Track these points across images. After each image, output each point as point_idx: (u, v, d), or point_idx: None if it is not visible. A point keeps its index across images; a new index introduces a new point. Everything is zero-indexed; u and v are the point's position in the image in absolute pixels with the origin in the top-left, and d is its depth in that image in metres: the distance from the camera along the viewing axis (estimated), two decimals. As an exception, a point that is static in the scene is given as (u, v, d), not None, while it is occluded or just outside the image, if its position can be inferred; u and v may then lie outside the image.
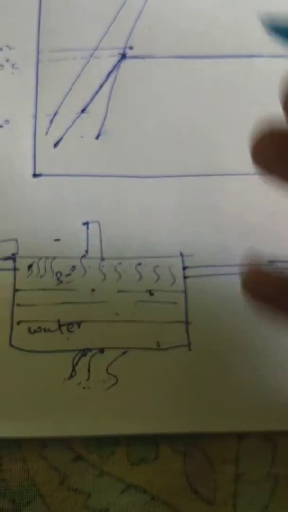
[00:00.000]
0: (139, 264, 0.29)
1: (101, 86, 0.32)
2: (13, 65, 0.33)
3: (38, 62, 0.33)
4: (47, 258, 0.29)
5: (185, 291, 0.29)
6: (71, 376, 0.27)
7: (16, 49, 0.33)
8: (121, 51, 0.33)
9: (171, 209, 0.30)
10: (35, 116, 0.32)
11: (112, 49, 0.33)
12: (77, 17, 0.34)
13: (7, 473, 0.26)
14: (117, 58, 0.33)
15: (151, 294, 0.29)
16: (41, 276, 0.29)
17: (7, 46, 0.33)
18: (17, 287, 0.29)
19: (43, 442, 0.27)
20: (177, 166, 0.31)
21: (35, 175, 0.31)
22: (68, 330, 0.28)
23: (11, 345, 0.28)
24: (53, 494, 0.26)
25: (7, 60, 0.33)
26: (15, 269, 0.29)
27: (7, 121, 0.31)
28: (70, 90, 0.32)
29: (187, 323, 0.28)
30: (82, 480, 0.26)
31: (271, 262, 0.29)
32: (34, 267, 0.29)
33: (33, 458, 0.26)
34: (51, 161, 0.31)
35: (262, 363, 0.27)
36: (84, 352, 0.28)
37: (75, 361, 0.28)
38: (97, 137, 0.31)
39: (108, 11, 0.34)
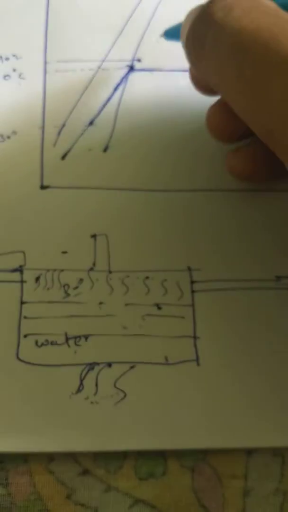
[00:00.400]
0: (147, 277, 0.29)
1: (109, 99, 0.32)
2: (20, 75, 0.33)
3: (45, 72, 0.33)
4: (54, 270, 0.29)
5: (193, 305, 0.28)
6: (78, 391, 0.27)
7: (23, 59, 0.33)
8: (129, 63, 0.33)
9: (179, 223, 0.30)
10: (43, 128, 0.31)
11: (120, 61, 0.33)
12: (85, 29, 0.34)
13: (13, 487, 0.26)
14: (125, 70, 0.33)
15: (159, 308, 0.28)
16: (48, 289, 0.29)
17: (14, 55, 0.33)
18: (24, 299, 0.28)
19: (50, 456, 0.26)
20: (185, 179, 0.30)
21: (42, 187, 0.30)
22: (75, 344, 0.28)
23: (18, 358, 0.27)
24: (60, 509, 0.26)
25: (14, 70, 0.33)
26: (22, 281, 0.29)
27: (14, 132, 0.31)
28: (77, 101, 0.32)
29: (195, 337, 0.28)
30: (89, 494, 0.26)
31: (278, 277, 0.29)
32: (42, 280, 0.29)
33: (39, 472, 0.26)
34: (59, 173, 0.31)
35: (270, 378, 0.27)
36: (91, 366, 0.27)
37: (83, 375, 0.27)
38: (105, 150, 0.31)
39: (116, 23, 0.34)
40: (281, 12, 0.23)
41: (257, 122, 0.22)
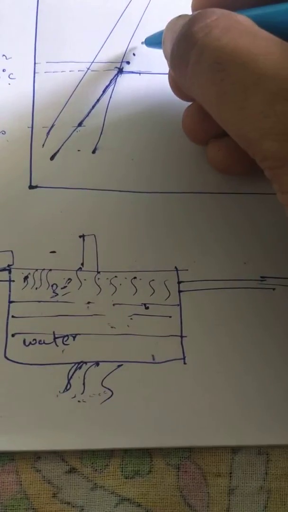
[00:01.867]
0: (135, 277, 0.28)
1: (98, 100, 0.31)
2: (9, 75, 0.32)
3: (35, 73, 0.32)
4: (42, 270, 0.28)
5: (180, 305, 0.28)
6: (66, 389, 0.26)
7: (13, 59, 0.32)
8: (118, 65, 0.32)
9: (166, 224, 0.29)
10: (32, 128, 0.31)
11: (109, 63, 0.32)
12: (75, 30, 0.33)
13: (0, 486, 0.25)
14: (114, 72, 0.32)
15: (146, 308, 0.28)
16: (36, 288, 0.28)
17: (3, 55, 0.33)
18: (12, 298, 0.28)
19: (36, 454, 0.26)
20: (173, 182, 0.30)
21: (31, 187, 0.30)
22: (63, 343, 0.27)
23: (5, 357, 0.27)
24: (46, 507, 0.25)
25: (4, 70, 0.32)
26: (10, 280, 0.28)
27: (3, 132, 0.31)
28: (67, 102, 0.31)
29: (182, 336, 0.27)
30: (76, 493, 0.25)
31: (263, 277, 0.28)
32: (30, 279, 0.28)
33: (26, 470, 0.26)
34: (48, 173, 0.30)
35: (255, 377, 0.27)
36: (79, 365, 0.27)
37: (70, 374, 0.27)
38: (94, 151, 0.30)
39: (106, 25, 0.33)
40: (258, 30, 0.23)
41: (236, 133, 0.23)
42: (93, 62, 0.32)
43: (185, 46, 0.25)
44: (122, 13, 0.33)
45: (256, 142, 0.22)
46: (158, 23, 0.31)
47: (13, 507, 0.25)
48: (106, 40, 0.33)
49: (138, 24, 0.33)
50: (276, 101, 0.21)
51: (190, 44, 0.24)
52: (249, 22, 0.24)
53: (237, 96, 0.22)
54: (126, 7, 0.33)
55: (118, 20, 0.33)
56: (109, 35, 0.33)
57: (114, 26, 0.33)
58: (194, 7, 0.27)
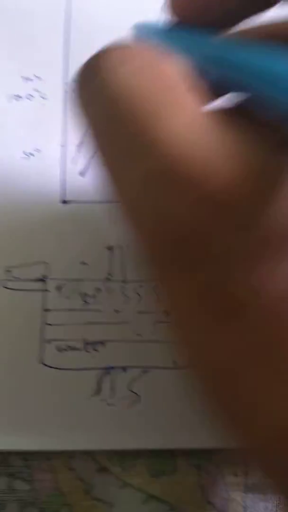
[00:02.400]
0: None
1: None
2: (42, 96, 0.34)
3: (65, 92, 0.34)
4: (74, 280, 0.30)
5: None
6: (96, 393, 0.28)
7: (44, 80, 0.34)
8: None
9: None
10: (64, 146, 0.32)
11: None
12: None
13: (38, 483, 0.27)
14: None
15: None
16: (68, 297, 0.30)
17: (36, 76, 0.34)
18: (47, 307, 0.29)
19: (70, 454, 0.27)
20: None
21: (63, 202, 0.31)
22: (93, 349, 0.29)
23: (41, 362, 0.28)
24: (79, 504, 0.27)
25: (37, 91, 0.34)
26: (45, 290, 0.29)
27: (37, 150, 0.32)
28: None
29: (204, 345, 0.29)
30: (106, 490, 0.27)
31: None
32: (63, 289, 0.30)
33: (61, 469, 0.27)
34: (79, 189, 0.31)
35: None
36: (108, 370, 0.28)
37: (100, 378, 0.28)
38: (123, 168, 0.32)
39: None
40: (178, 81, 0.18)
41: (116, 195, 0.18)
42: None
43: (90, 72, 0.19)
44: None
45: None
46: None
47: (51, 503, 0.27)
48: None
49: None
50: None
51: (94, 73, 0.19)
52: (171, 69, 0.18)
53: (124, 160, 0.17)
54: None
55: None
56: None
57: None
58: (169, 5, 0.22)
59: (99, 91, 0.18)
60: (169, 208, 0.15)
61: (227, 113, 0.19)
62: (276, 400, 0.15)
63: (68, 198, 0.31)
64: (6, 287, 0.30)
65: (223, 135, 0.16)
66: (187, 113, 0.16)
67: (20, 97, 0.34)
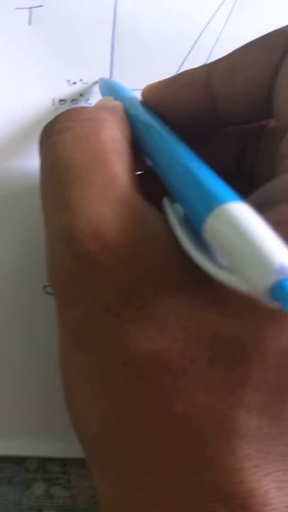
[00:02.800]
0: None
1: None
2: (87, 100, 0.33)
3: (111, 98, 0.33)
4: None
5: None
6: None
7: (90, 84, 0.34)
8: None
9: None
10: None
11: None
12: (148, 58, 0.34)
13: (76, 490, 0.27)
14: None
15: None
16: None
17: (81, 80, 0.34)
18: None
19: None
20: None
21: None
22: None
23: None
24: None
25: (81, 95, 0.34)
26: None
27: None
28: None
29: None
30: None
31: None
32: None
33: (99, 477, 0.27)
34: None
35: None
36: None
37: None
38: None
39: (179, 53, 0.34)
40: (106, 150, 0.21)
41: None
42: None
43: (43, 144, 0.23)
44: (196, 41, 0.34)
45: None
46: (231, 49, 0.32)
47: (87, 511, 0.27)
48: (179, 69, 0.34)
49: (211, 53, 0.34)
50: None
51: (45, 147, 0.23)
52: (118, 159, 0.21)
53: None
54: (199, 36, 0.34)
55: (191, 49, 0.34)
56: (181, 64, 0.34)
57: (187, 55, 0.34)
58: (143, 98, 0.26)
59: (47, 151, 0.22)
60: (58, 258, 0.19)
61: (146, 177, 0.23)
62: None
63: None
64: (47, 293, 0.30)
65: (125, 207, 0.19)
66: (102, 183, 0.19)
67: (64, 101, 0.34)
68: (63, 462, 0.27)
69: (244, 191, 0.20)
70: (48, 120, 0.33)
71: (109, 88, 0.30)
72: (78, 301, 0.19)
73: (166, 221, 0.20)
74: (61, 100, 0.33)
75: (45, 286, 0.29)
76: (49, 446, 0.27)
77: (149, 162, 0.24)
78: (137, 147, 0.24)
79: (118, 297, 0.18)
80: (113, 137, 0.22)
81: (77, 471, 0.27)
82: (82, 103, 0.33)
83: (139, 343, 0.17)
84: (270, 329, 0.16)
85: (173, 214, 0.20)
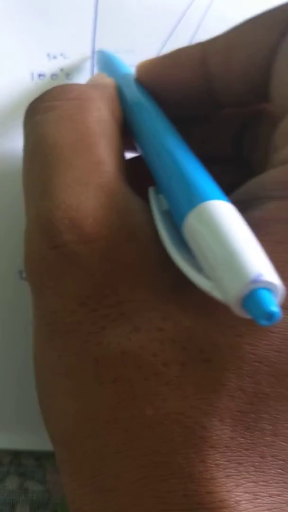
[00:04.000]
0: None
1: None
2: (67, 75, 0.32)
3: (92, 74, 0.32)
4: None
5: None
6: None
7: (71, 59, 0.32)
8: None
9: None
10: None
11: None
12: (132, 33, 0.32)
13: (51, 484, 0.26)
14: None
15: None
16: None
17: (61, 55, 0.32)
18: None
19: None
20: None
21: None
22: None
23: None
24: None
25: (62, 70, 0.32)
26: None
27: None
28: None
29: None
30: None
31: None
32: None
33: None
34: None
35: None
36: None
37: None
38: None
39: (165, 28, 0.32)
40: (92, 132, 0.20)
41: None
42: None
43: (26, 130, 0.22)
44: (182, 16, 0.33)
45: None
46: (218, 26, 0.31)
47: (63, 505, 0.26)
48: (164, 45, 0.32)
49: (199, 27, 0.33)
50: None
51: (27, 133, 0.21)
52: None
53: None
54: (185, 11, 0.33)
55: (178, 24, 0.33)
56: (167, 40, 0.32)
57: (173, 30, 0.32)
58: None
59: (30, 131, 0.21)
60: (35, 246, 0.18)
61: (138, 161, 0.22)
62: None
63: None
64: (24, 278, 0.28)
65: (107, 194, 0.18)
66: (85, 168, 0.19)
67: (44, 75, 0.32)
68: (38, 455, 0.26)
69: (241, 177, 0.19)
70: (25, 96, 0.31)
71: (105, 62, 0.29)
72: (53, 292, 0.18)
73: (150, 212, 0.19)
74: (40, 75, 0.32)
75: (21, 271, 0.28)
76: (24, 439, 0.26)
77: (137, 146, 0.23)
78: (127, 128, 0.23)
79: (93, 291, 0.17)
80: (100, 118, 0.20)
81: (52, 465, 0.26)
82: (63, 78, 0.32)
83: (112, 341, 0.16)
84: (248, 335, 0.16)
85: (156, 206, 0.18)
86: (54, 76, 0.32)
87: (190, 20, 0.32)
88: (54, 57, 0.32)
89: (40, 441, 0.26)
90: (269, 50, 0.21)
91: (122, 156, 0.21)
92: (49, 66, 0.32)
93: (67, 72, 0.32)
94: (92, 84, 0.24)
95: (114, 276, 0.17)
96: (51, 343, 0.18)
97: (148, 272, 0.17)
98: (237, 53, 0.22)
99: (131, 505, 0.16)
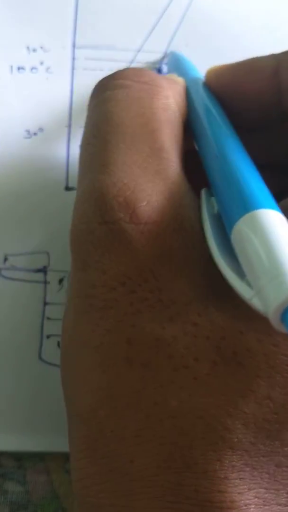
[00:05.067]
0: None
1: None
2: (47, 69, 0.31)
3: (73, 69, 0.31)
4: (76, 272, 0.28)
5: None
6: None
7: (51, 52, 0.31)
8: (157, 66, 0.31)
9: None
10: (69, 126, 0.30)
11: (148, 64, 0.31)
12: (113, 30, 0.32)
13: (31, 485, 0.26)
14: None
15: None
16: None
17: (41, 47, 0.31)
18: (47, 300, 0.27)
19: (66, 455, 0.26)
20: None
21: (67, 188, 0.29)
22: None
23: (40, 358, 0.27)
24: (75, 507, 0.26)
25: (42, 63, 0.31)
26: (45, 282, 0.28)
27: (41, 129, 0.30)
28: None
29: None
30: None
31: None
32: (65, 282, 0.28)
33: (56, 471, 0.26)
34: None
35: None
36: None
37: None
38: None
39: (146, 24, 0.32)
40: (156, 119, 0.20)
41: None
42: (132, 62, 0.31)
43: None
44: (164, 11, 0.32)
45: None
46: (201, 21, 0.30)
47: (43, 507, 0.25)
48: (146, 40, 0.32)
49: (181, 22, 0.32)
50: None
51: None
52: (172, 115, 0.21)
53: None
54: (169, 4, 0.32)
55: (160, 19, 0.32)
56: (149, 35, 0.32)
57: (155, 26, 0.32)
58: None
59: (97, 106, 0.21)
60: (86, 218, 0.18)
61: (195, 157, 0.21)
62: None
63: (72, 184, 0.29)
64: (3, 276, 0.28)
65: (165, 182, 0.18)
66: (146, 152, 0.19)
67: (23, 69, 0.31)
68: (18, 456, 0.26)
69: None
70: (4, 89, 0.31)
71: (176, 63, 0.28)
72: (96, 267, 0.18)
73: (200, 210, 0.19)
74: (19, 68, 0.31)
75: (6, 255, 0.28)
76: (3, 439, 0.25)
77: (196, 147, 0.22)
78: (189, 128, 0.22)
79: (135, 272, 0.17)
80: (167, 106, 0.21)
81: (32, 466, 0.26)
82: (43, 72, 0.31)
83: (146, 326, 0.16)
84: (284, 346, 0.16)
85: (206, 207, 0.19)
86: (34, 69, 0.31)
87: (172, 15, 0.32)
88: (34, 50, 0.31)
89: (20, 442, 0.26)
90: None
91: (182, 147, 0.21)
92: (29, 59, 0.31)
93: (47, 66, 0.31)
94: (164, 76, 0.25)
95: (158, 262, 0.17)
96: (86, 316, 0.18)
97: (191, 266, 0.17)
98: None
99: (141, 492, 0.16)
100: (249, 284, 0.15)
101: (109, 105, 0.20)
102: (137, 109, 0.20)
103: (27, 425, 0.26)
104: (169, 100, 0.21)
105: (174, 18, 0.32)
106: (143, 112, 0.20)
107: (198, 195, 0.19)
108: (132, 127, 0.19)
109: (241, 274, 0.16)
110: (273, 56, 0.23)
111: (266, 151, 0.21)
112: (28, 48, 0.31)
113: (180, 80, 0.24)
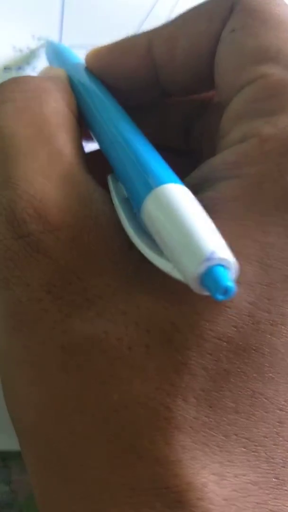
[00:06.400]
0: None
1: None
2: (33, 69, 0.31)
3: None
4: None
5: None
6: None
7: (37, 52, 0.31)
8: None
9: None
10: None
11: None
12: (99, 30, 0.32)
13: (16, 484, 0.25)
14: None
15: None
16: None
17: (28, 47, 0.31)
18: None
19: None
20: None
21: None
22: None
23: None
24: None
25: (28, 63, 0.31)
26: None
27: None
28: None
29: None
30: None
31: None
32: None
33: (41, 470, 0.26)
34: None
35: None
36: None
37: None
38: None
39: (131, 26, 0.32)
40: (50, 124, 0.20)
41: None
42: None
43: None
44: (150, 11, 0.32)
45: None
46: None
47: (28, 506, 0.25)
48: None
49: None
50: None
51: None
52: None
53: None
54: (155, 4, 0.33)
55: (146, 18, 0.32)
56: (138, 29, 0.32)
57: (141, 25, 0.32)
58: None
59: None
60: None
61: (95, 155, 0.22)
62: None
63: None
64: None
65: (69, 184, 0.18)
66: (45, 159, 0.19)
67: (10, 68, 0.31)
68: (3, 456, 0.26)
69: (192, 170, 0.20)
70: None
71: (55, 52, 0.28)
72: (19, 282, 0.17)
73: (111, 200, 0.19)
74: (5, 68, 0.31)
75: None
76: (-12, 439, 0.25)
77: (93, 136, 0.23)
78: (82, 119, 0.22)
79: (58, 278, 0.17)
80: (57, 110, 0.20)
81: (17, 464, 0.26)
82: (29, 71, 0.31)
83: (77, 327, 0.16)
84: (206, 312, 0.16)
85: (115, 193, 0.19)
86: (20, 69, 0.31)
87: (158, 15, 0.32)
88: (20, 51, 0.31)
89: (4, 440, 0.25)
90: (211, 41, 0.21)
91: (81, 147, 0.20)
92: (15, 59, 0.31)
93: (34, 65, 0.31)
94: (45, 77, 0.24)
95: (79, 263, 0.17)
96: (17, 334, 0.17)
97: (111, 258, 0.17)
98: (180, 42, 0.22)
99: (99, 493, 0.15)
100: (167, 259, 0.16)
101: (0, 120, 0.20)
102: (28, 119, 0.20)
103: (11, 424, 0.26)
104: (59, 102, 0.21)
105: (160, 18, 0.32)
106: (35, 121, 0.20)
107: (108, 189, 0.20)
108: (27, 137, 0.19)
109: (159, 251, 0.16)
110: (146, 34, 0.23)
111: (162, 134, 0.21)
112: (14, 48, 0.31)
113: (62, 73, 0.24)
